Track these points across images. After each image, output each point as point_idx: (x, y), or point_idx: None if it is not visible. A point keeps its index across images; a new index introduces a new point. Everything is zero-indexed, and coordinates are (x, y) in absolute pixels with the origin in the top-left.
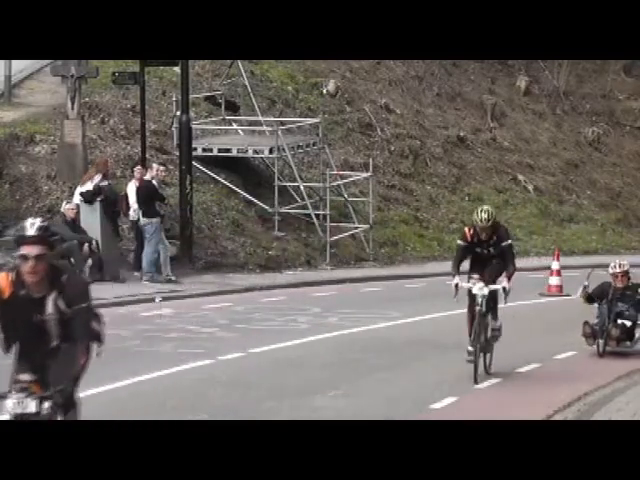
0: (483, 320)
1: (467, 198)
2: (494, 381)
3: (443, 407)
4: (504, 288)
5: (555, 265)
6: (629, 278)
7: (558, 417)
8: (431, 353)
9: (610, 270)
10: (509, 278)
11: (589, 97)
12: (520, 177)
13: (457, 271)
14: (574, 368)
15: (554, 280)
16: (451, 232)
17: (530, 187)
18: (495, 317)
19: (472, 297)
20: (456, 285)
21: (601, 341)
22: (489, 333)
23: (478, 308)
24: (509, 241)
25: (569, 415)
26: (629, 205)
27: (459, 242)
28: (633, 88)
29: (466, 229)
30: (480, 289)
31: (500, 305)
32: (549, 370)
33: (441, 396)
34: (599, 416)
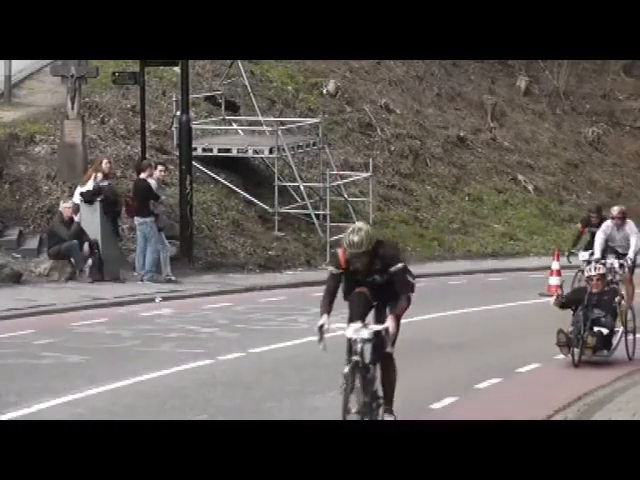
0: (365, 375)
1: (467, 198)
2: (494, 381)
3: (443, 407)
4: (387, 330)
5: (555, 265)
6: (607, 283)
7: (558, 417)
8: (431, 353)
9: (586, 273)
10: (397, 317)
11: (589, 97)
12: (520, 177)
13: (326, 308)
14: (574, 368)
15: (554, 280)
16: (451, 232)
17: (530, 187)
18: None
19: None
20: (321, 327)
21: (576, 350)
22: (378, 392)
23: (356, 358)
24: (399, 265)
25: (569, 415)
26: (629, 205)
27: (330, 269)
28: (633, 88)
29: (340, 251)
30: (356, 331)
31: (388, 350)
32: (549, 370)
33: (441, 396)
34: (599, 416)
